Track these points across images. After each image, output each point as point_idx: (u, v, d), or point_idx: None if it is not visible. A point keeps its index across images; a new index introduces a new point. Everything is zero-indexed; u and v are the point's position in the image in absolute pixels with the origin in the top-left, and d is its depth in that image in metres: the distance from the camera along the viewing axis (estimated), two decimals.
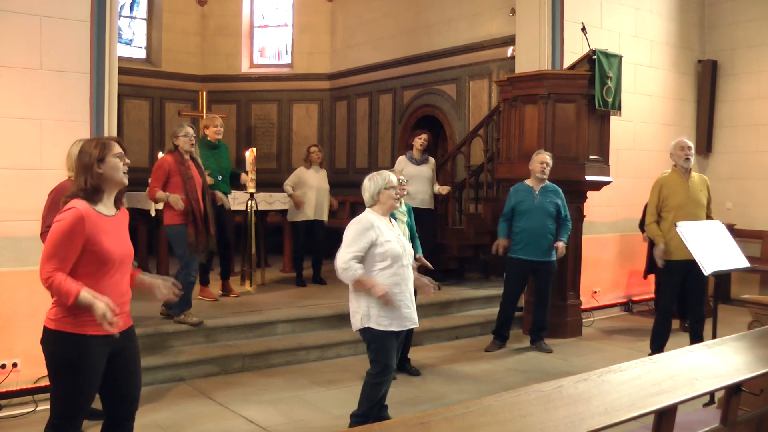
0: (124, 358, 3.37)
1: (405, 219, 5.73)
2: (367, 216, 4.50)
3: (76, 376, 3.20)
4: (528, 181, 6.96)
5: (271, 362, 6.35)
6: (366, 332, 4.48)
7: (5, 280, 5.07)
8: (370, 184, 4.57)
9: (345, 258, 4.36)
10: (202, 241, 6.30)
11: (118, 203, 3.39)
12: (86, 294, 3.10)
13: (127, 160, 3.35)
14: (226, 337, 6.51)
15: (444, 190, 8.49)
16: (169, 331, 6.23)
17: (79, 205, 3.18)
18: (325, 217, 8.74)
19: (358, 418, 4.54)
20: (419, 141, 8.42)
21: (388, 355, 4.47)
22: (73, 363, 3.19)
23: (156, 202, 6.35)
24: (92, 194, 3.24)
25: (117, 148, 3.30)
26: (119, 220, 3.37)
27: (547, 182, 6.91)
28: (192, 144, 6.41)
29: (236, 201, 8.58)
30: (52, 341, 3.23)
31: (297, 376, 6.09)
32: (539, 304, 7.08)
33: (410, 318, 4.54)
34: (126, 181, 3.34)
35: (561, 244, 6.86)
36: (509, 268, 7.07)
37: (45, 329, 3.25)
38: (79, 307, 3.14)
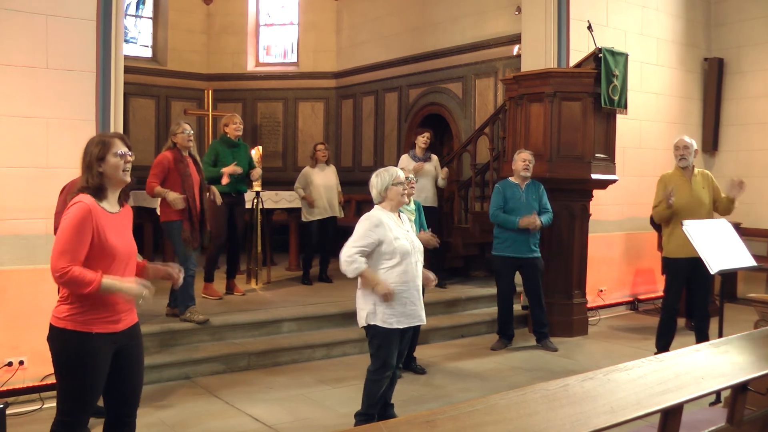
0: (128, 356, 3.38)
1: (413, 217, 5.72)
2: (377, 213, 4.50)
3: (82, 373, 3.21)
4: (513, 179, 6.98)
5: (277, 360, 6.36)
6: (371, 329, 4.50)
7: (12, 278, 5.09)
8: (377, 181, 4.57)
9: (350, 252, 4.37)
10: (196, 237, 6.33)
11: (122, 201, 3.40)
12: (108, 279, 3.13)
13: (130, 158, 3.33)
14: (231, 335, 6.52)
15: (444, 173, 8.52)
16: (174, 330, 6.24)
17: (85, 198, 3.20)
18: (336, 213, 8.77)
19: (362, 417, 4.56)
20: (422, 139, 8.49)
21: (389, 352, 4.48)
22: (79, 361, 3.20)
23: (154, 197, 6.36)
24: (96, 192, 3.25)
25: (119, 146, 3.28)
26: (123, 217, 3.37)
27: (529, 179, 6.95)
28: (190, 140, 6.41)
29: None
30: (59, 339, 3.24)
31: (303, 374, 6.10)
32: (534, 303, 7.09)
33: (417, 315, 4.55)
34: (128, 179, 3.33)
35: (535, 217, 6.77)
36: (496, 267, 7.10)
37: (51, 327, 3.26)
38: (85, 304, 3.16)
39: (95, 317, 3.19)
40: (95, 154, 3.24)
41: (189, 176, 6.34)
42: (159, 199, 6.56)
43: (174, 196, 6.19)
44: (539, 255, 6.99)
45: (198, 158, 6.61)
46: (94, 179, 3.24)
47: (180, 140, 6.36)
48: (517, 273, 7.06)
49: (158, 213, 8.23)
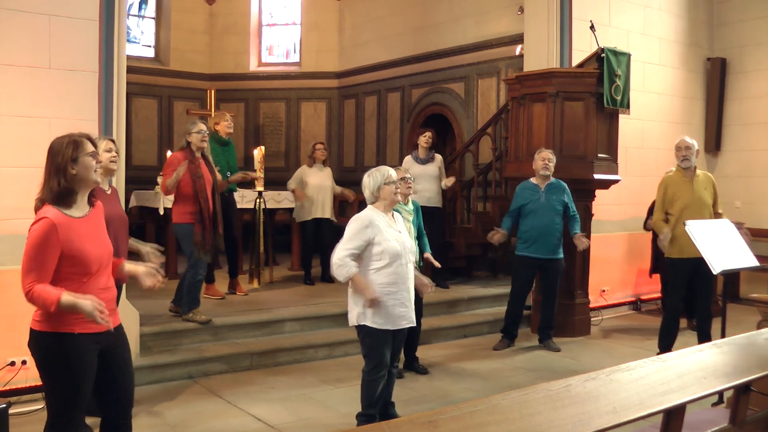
0: (115, 357, 3.36)
1: (411, 217, 5.71)
2: (367, 213, 4.49)
3: (68, 375, 3.18)
4: (533, 180, 6.96)
5: (279, 360, 6.36)
6: (361, 329, 4.49)
7: (14, 278, 5.04)
8: (369, 181, 4.56)
9: (341, 255, 4.37)
10: (209, 240, 6.27)
11: (91, 200, 3.33)
12: (67, 297, 3.05)
13: (100, 158, 3.31)
14: (234, 335, 6.52)
15: (449, 182, 8.48)
16: (177, 330, 6.25)
17: (49, 213, 3.13)
18: (328, 215, 8.66)
19: (363, 417, 4.56)
20: (424, 139, 8.44)
21: (381, 351, 4.47)
22: (63, 362, 3.17)
23: (169, 191, 6.26)
24: (65, 197, 3.17)
25: (89, 147, 3.22)
26: (93, 218, 3.30)
27: (552, 179, 6.91)
28: (204, 140, 6.36)
29: (245, 199, 8.60)
30: (41, 342, 3.21)
31: (305, 374, 6.10)
32: (547, 303, 7.08)
33: (406, 317, 4.52)
34: (98, 180, 3.29)
35: (579, 236, 6.83)
36: (516, 266, 7.08)
37: (32, 331, 3.23)
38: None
39: (76, 317, 3.15)
40: (69, 155, 3.14)
41: (201, 177, 6.28)
42: (163, 200, 6.53)
43: (178, 170, 6.13)
44: (562, 256, 6.99)
45: (210, 159, 6.55)
46: (63, 183, 3.14)
47: (194, 140, 6.31)
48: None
49: (161, 213, 8.28)
